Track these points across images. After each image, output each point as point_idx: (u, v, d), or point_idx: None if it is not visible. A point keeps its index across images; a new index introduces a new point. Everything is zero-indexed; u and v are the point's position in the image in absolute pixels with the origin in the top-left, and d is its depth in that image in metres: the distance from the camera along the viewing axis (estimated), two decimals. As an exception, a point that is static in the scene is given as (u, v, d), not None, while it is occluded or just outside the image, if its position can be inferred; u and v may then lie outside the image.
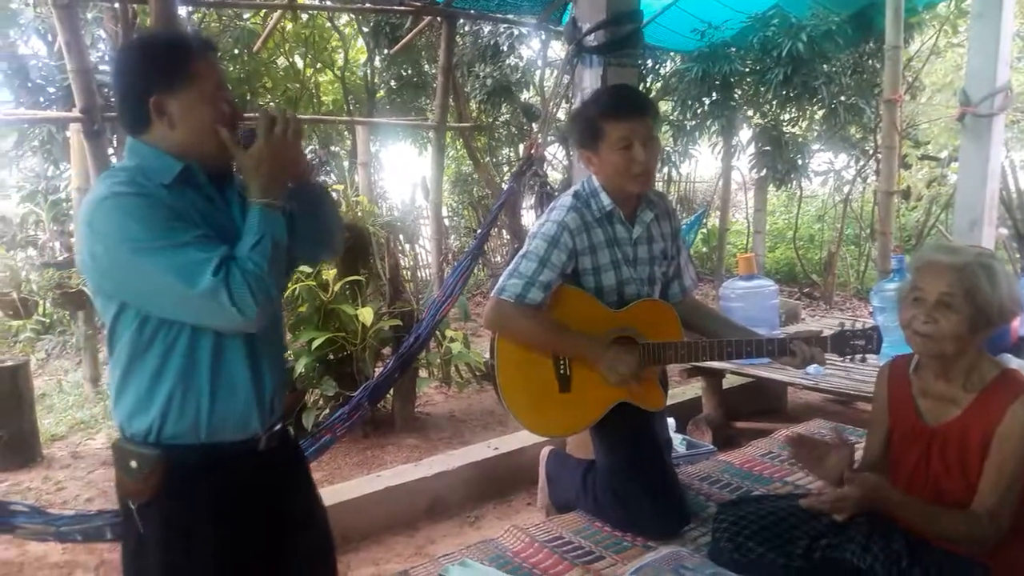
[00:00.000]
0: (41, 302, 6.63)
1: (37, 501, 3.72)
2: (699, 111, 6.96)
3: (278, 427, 1.67)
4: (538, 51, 8.84)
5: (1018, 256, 7.21)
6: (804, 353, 2.29)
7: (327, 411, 4.23)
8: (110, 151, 5.68)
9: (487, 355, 2.53)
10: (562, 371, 2.42)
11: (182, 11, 6.16)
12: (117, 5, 4.98)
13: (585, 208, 2.42)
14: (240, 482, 1.56)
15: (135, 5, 4.84)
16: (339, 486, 3.52)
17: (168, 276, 1.38)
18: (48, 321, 6.68)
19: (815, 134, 7.73)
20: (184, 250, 1.39)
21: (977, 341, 1.77)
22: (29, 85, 6.06)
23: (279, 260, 1.48)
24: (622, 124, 2.32)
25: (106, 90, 5.50)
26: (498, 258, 9.72)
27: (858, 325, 2.36)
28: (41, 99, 6.10)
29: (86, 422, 4.95)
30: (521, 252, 2.40)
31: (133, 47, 1.70)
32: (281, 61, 8.89)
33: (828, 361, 2.49)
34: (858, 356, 2.32)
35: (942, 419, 1.82)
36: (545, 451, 3.02)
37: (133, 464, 1.51)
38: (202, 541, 1.51)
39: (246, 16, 7.90)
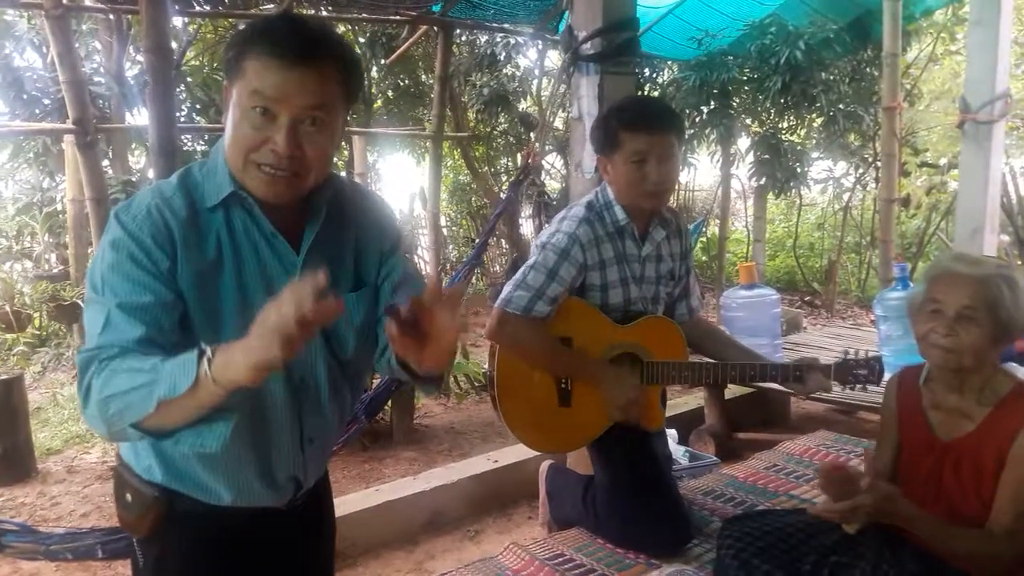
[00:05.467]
0: (36, 315, 6.59)
1: (32, 516, 3.68)
2: (697, 119, 6.95)
3: (300, 495, 1.47)
4: (535, 60, 8.84)
5: (1019, 263, 7.19)
6: (810, 379, 2.24)
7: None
8: (105, 162, 5.68)
9: (486, 366, 2.48)
10: (563, 385, 2.36)
11: (176, 21, 6.14)
12: (111, 16, 4.97)
13: (598, 221, 2.34)
14: (248, 537, 1.40)
15: (129, 16, 4.83)
16: (337, 500, 3.42)
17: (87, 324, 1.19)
18: (43, 334, 6.62)
19: (814, 142, 7.70)
20: (106, 309, 1.15)
21: (995, 355, 1.73)
22: (24, 97, 6.05)
23: (138, 411, 1.06)
24: (639, 137, 2.23)
25: (100, 101, 5.48)
26: (496, 267, 9.68)
27: (861, 353, 2.27)
28: (36, 111, 6.08)
29: (81, 436, 4.89)
30: (528, 263, 2.31)
31: None
32: (277, 71, 8.88)
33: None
34: (858, 386, 2.26)
35: (955, 434, 1.77)
36: (544, 466, 2.97)
37: (128, 498, 1.35)
38: None
39: (241, 27, 7.91)
